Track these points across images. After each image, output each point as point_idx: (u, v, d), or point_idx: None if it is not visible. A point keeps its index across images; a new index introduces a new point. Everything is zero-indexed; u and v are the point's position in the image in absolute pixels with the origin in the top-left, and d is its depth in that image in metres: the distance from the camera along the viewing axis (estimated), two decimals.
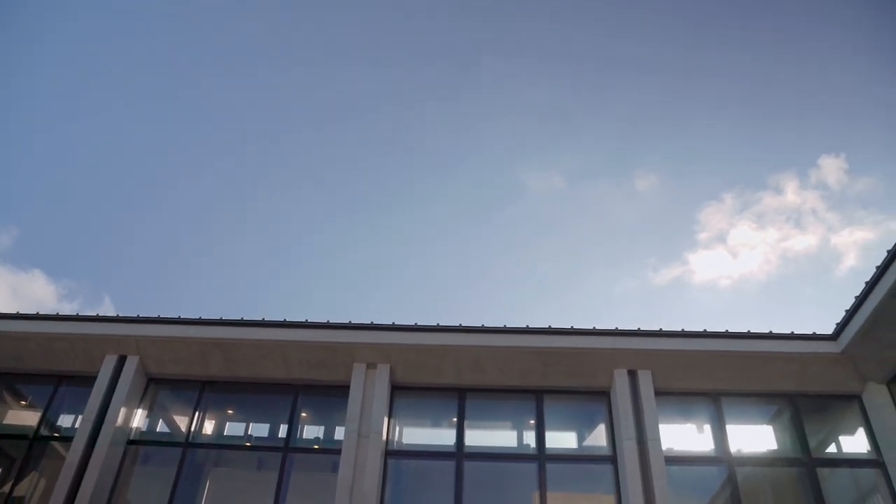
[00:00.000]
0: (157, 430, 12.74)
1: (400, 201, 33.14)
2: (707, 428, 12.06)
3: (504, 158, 31.43)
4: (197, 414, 12.31)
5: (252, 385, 12.46)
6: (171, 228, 34.26)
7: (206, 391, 12.51)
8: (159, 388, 12.62)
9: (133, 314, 12.28)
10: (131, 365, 12.12)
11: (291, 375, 12.26)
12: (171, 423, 12.79)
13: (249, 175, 32.24)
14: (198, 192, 33.03)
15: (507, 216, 33.02)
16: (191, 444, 12.03)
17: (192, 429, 12.16)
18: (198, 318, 12.11)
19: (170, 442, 12.33)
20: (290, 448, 11.88)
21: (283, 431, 12.19)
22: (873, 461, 11.45)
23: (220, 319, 12.08)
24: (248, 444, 12.56)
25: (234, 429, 12.97)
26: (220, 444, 12.55)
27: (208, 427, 12.58)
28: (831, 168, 29.51)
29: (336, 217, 33.63)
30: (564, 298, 35.18)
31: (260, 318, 12.06)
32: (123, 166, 32.41)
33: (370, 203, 33.09)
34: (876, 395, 11.69)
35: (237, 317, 12.10)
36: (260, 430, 12.83)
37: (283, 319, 12.06)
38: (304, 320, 12.02)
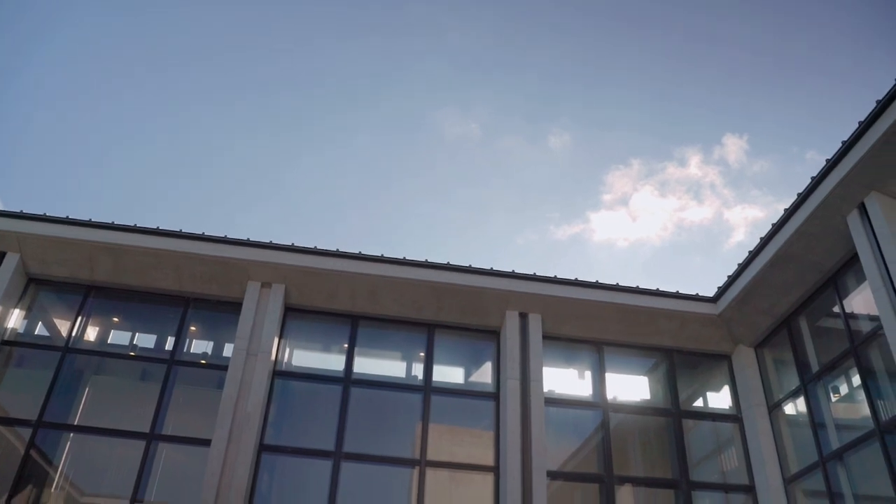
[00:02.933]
0: (36, 332, 12.25)
1: (315, 129, 32.48)
2: (588, 374, 12.60)
3: (423, 100, 31.21)
4: (80, 319, 11.89)
5: (141, 294, 12.11)
6: (71, 127, 32.40)
7: (91, 296, 12.08)
8: (41, 289, 12.10)
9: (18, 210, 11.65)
10: (10, 262, 11.52)
11: (183, 288, 11.99)
12: (51, 327, 12.31)
13: (167, 85, 30.72)
14: (105, 93, 31.27)
15: (420, 156, 32.96)
16: (71, 349, 11.64)
17: (74, 333, 11.76)
18: (87, 219, 11.61)
19: (48, 345, 11.89)
20: (176, 361, 11.69)
21: (169, 344, 11.95)
22: (733, 416, 12.30)
23: (112, 223, 11.61)
24: (132, 353, 12.26)
25: (118, 337, 12.59)
26: (103, 352, 12.19)
27: (91, 333, 12.20)
28: (733, 147, 30.86)
29: (251, 139, 32.68)
30: (466, 241, 35.71)
31: (154, 227, 11.68)
32: (13, 58, 30.24)
33: (287, 128, 32.28)
34: (744, 356, 12.48)
35: (130, 223, 11.68)
36: (146, 340, 12.51)
37: (178, 230, 11.72)
38: (200, 233, 11.72)
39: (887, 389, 9.71)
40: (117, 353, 12.19)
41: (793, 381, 11.61)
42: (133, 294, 12.12)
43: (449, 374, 12.50)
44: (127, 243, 11.55)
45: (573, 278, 12.14)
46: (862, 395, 10.04)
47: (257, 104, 31.70)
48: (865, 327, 10.16)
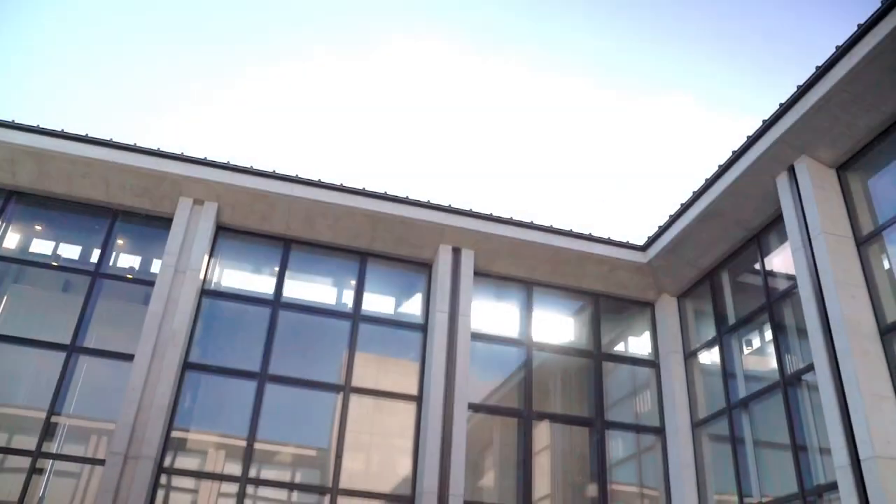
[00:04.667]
0: None
1: (261, 46, 31.37)
2: (515, 312, 12.85)
3: (376, 26, 30.38)
4: None
5: (66, 203, 11.68)
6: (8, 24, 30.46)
7: (12, 201, 11.61)
8: None
9: None
10: None
11: (111, 199, 11.62)
12: None
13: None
14: None
15: (367, 82, 32.27)
16: None
17: None
18: (10, 120, 11.05)
19: None
20: (101, 274, 11.42)
21: (95, 256, 11.64)
22: (651, 362, 12.79)
23: (37, 127, 11.07)
24: (54, 263, 11.90)
25: (40, 246, 12.17)
26: (23, 260, 11.77)
27: (11, 240, 11.74)
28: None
29: (189, 54, 31.34)
30: (404, 174, 35.49)
31: (83, 133, 11.21)
32: None
33: (228, 44, 31.06)
34: (666, 305, 12.91)
35: (59, 128, 11.17)
36: (70, 251, 12.14)
37: (109, 139, 11.29)
38: (132, 144, 11.32)
39: (795, 345, 10.20)
40: (39, 262, 11.80)
41: (710, 331, 12.08)
42: (58, 202, 11.69)
43: (379, 303, 12.56)
44: (52, 149, 11.07)
45: (508, 217, 12.24)
46: (771, 349, 10.54)
47: (197, 18, 30.33)
48: (782, 285, 10.58)
